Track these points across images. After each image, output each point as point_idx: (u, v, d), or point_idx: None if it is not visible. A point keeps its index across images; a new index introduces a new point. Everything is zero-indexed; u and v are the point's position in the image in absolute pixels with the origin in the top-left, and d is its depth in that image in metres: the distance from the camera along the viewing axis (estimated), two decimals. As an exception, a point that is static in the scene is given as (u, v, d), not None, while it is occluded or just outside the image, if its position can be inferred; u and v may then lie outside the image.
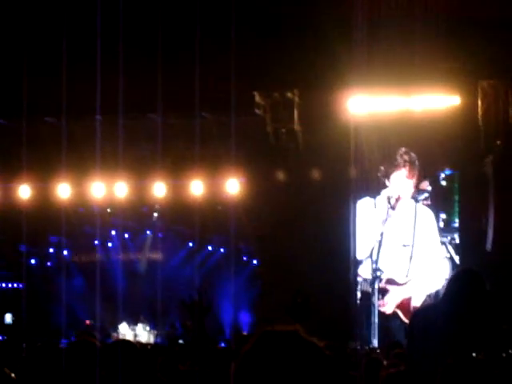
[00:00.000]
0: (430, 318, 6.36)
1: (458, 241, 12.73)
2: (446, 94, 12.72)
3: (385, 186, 11.42)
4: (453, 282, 6.26)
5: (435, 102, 12.81)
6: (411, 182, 9.60)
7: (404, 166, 9.55)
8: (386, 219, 9.39)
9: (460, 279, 6.25)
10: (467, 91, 12.72)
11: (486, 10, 11.71)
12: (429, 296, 11.82)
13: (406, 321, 11.95)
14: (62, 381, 3.82)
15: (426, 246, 9.62)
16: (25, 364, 3.98)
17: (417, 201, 11.49)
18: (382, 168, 10.06)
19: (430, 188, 12.74)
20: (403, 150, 10.10)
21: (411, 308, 11.79)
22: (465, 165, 12.95)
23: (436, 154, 13.02)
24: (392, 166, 9.50)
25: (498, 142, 12.78)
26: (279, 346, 2.06)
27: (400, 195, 9.49)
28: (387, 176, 9.58)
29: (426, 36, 11.81)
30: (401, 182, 9.57)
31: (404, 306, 10.97)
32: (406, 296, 9.65)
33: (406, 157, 9.60)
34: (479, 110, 12.79)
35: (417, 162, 9.48)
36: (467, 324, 5.95)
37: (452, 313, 6.07)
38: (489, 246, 12.45)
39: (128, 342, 4.95)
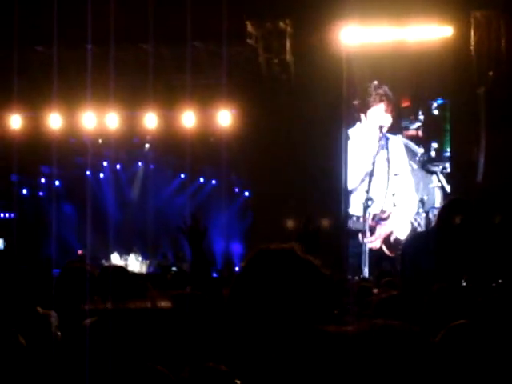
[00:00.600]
0: (421, 245, 6.45)
1: (449, 170, 12.83)
2: (438, 25, 12.64)
3: (359, 120, 11.48)
4: (444, 211, 6.34)
5: (428, 32, 12.74)
6: (388, 116, 9.60)
7: (381, 101, 9.52)
8: (378, 151, 9.41)
9: (451, 208, 6.33)
10: (460, 22, 12.63)
11: None
12: (413, 228, 11.97)
13: (390, 254, 12.11)
14: (53, 306, 3.86)
15: (410, 176, 9.68)
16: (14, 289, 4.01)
17: (408, 130, 11.51)
18: (356, 103, 10.02)
19: (422, 117, 12.78)
20: (375, 83, 10.06)
21: (392, 241, 11.92)
22: (457, 95, 12.94)
23: (429, 84, 13.01)
24: (367, 101, 9.45)
25: (490, 73, 12.73)
26: (275, 263, 2.04)
27: (383, 127, 9.49)
28: (363, 111, 9.55)
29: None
30: (380, 115, 9.56)
31: (387, 240, 11.09)
32: (388, 231, 9.74)
33: (380, 91, 9.56)
34: (472, 40, 12.72)
35: (391, 94, 9.45)
36: (457, 251, 6.03)
37: (442, 240, 6.16)
38: (480, 176, 12.51)
39: (119, 267, 5.00)
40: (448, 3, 12.41)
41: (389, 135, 11.73)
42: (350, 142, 11.25)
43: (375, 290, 6.80)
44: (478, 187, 12.33)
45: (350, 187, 12.15)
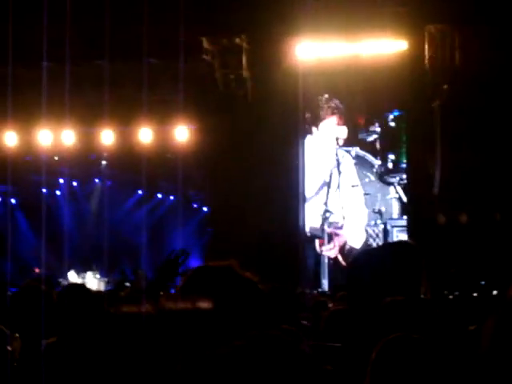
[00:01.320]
0: (372, 260, 6.47)
1: (406, 181, 12.95)
2: (393, 39, 12.76)
3: (310, 133, 11.54)
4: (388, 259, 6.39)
5: (382, 46, 12.85)
6: (341, 128, 9.66)
7: (333, 114, 9.58)
8: (337, 164, 9.46)
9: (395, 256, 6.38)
10: (414, 35, 12.77)
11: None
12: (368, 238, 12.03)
13: (344, 263, 12.14)
14: (10, 327, 3.81)
15: (364, 188, 9.77)
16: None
17: (366, 142, 11.58)
18: (308, 116, 10.08)
19: (378, 129, 12.89)
20: (326, 96, 10.14)
21: (346, 251, 11.97)
22: (412, 108, 13.07)
23: (384, 98, 13.14)
24: (319, 114, 9.53)
25: (445, 87, 12.88)
26: (213, 279, 2.07)
27: (336, 140, 9.54)
28: (314, 124, 9.62)
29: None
30: (331, 129, 9.61)
31: (342, 249, 11.15)
32: (343, 240, 9.80)
33: (331, 104, 9.63)
34: (426, 54, 12.86)
35: (342, 107, 9.54)
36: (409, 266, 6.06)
37: (395, 254, 6.19)
38: (436, 188, 12.63)
39: (80, 285, 4.96)
40: (402, 17, 12.55)
41: (341, 149, 11.80)
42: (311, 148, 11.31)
43: (331, 305, 6.82)
44: (434, 199, 12.46)
45: (307, 196, 12.18)
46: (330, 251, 9.70)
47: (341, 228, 9.74)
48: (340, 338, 4.15)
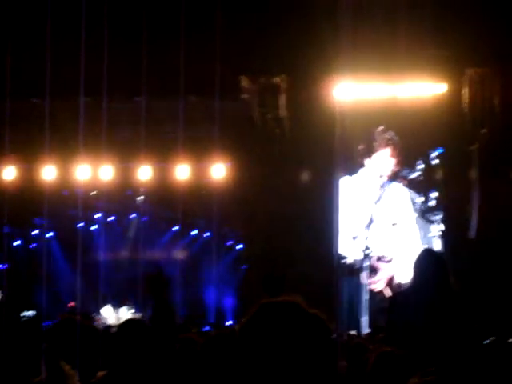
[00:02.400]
0: (404, 305, 6.46)
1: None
2: (432, 82, 12.71)
3: (362, 166, 11.41)
4: (418, 266, 6.41)
5: (421, 89, 12.81)
6: (394, 161, 9.58)
7: (387, 146, 9.52)
8: (379, 198, 9.37)
9: (422, 262, 6.40)
10: (454, 79, 12.72)
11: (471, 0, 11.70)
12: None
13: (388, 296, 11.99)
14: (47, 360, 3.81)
15: (410, 225, 9.66)
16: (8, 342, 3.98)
17: (407, 179, 11.50)
18: (360, 147, 10.04)
19: (421, 166, 12.78)
20: (381, 128, 10.08)
21: (394, 285, 11.83)
22: (450, 151, 12.98)
23: (423, 140, 13.05)
24: (373, 145, 9.48)
25: (484, 131, 12.80)
26: (279, 316, 1.97)
27: (387, 174, 9.48)
28: (368, 155, 9.55)
29: (412, 23, 11.80)
30: (385, 160, 9.54)
31: (390, 283, 11.02)
32: (393, 273, 9.68)
33: (386, 135, 9.57)
34: (465, 97, 12.80)
35: (397, 139, 9.48)
36: (433, 318, 6.04)
37: (420, 302, 6.18)
38: (472, 233, 12.50)
39: (137, 321, 4.95)
40: (441, 60, 12.51)
41: (389, 183, 11.62)
42: (350, 189, 11.17)
43: (371, 346, 6.73)
44: (470, 244, 12.33)
45: (352, 234, 11.99)
46: (376, 284, 9.60)
47: (388, 262, 9.66)
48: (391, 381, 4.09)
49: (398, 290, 8.45)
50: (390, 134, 9.65)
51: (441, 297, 6.29)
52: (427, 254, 6.75)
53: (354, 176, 9.87)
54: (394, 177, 11.94)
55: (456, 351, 5.92)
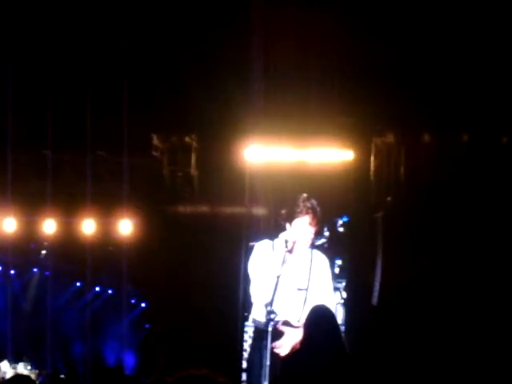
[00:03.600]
0: (296, 367, 6.50)
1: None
2: (340, 148, 12.93)
3: (283, 230, 11.48)
4: (307, 323, 6.47)
5: (329, 155, 13.01)
6: (312, 229, 9.63)
7: (307, 213, 9.53)
8: (284, 262, 9.37)
9: (312, 319, 6.48)
10: (361, 147, 12.96)
11: (381, 68, 11.99)
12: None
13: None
14: None
15: (320, 291, 9.66)
16: None
17: (314, 246, 11.56)
18: (283, 212, 10.10)
19: (327, 233, 12.90)
20: (304, 195, 10.12)
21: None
22: (356, 218, 13.18)
23: (331, 204, 13.21)
24: (294, 211, 9.52)
25: (389, 198, 13.05)
26: None
27: (298, 240, 9.53)
28: (288, 220, 9.59)
29: (322, 89, 12.02)
30: (303, 228, 9.57)
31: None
32: (300, 338, 9.65)
33: (308, 203, 9.60)
34: (372, 165, 13.05)
35: (318, 209, 9.56)
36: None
37: (311, 359, 6.23)
38: (375, 300, 12.66)
39: (25, 376, 4.88)
40: (349, 128, 12.76)
41: (296, 247, 11.65)
42: (265, 253, 11.13)
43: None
44: (373, 310, 12.47)
45: (262, 299, 11.91)
46: (280, 348, 9.54)
47: (294, 327, 9.62)
48: None
49: (288, 353, 8.50)
50: (311, 203, 9.73)
51: (332, 354, 6.33)
52: (317, 311, 6.81)
53: (275, 240, 9.90)
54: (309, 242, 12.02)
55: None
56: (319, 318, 6.38)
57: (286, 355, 7.77)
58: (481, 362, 12.04)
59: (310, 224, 9.45)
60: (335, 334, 6.28)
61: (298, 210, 9.40)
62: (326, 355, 6.12)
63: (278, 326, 9.24)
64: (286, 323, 9.38)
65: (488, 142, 12.67)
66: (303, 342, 6.57)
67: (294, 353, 7.45)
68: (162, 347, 13.85)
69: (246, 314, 10.96)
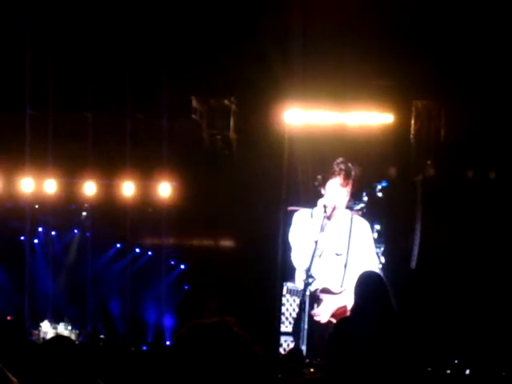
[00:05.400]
0: (346, 332, 6.52)
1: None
2: (379, 112, 12.84)
3: (322, 196, 11.48)
4: (358, 290, 6.49)
5: (369, 118, 12.93)
6: (345, 191, 9.57)
7: (339, 174, 9.53)
8: (322, 228, 9.37)
9: (363, 285, 6.49)
10: (401, 110, 12.87)
11: (420, 32, 11.85)
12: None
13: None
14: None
15: (360, 256, 9.64)
16: None
17: (352, 210, 11.56)
18: (319, 177, 10.11)
19: (366, 198, 12.85)
20: (340, 159, 10.14)
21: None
22: (396, 181, 13.11)
23: (371, 168, 13.16)
24: (328, 174, 9.53)
25: (429, 162, 12.97)
26: (207, 337, 2.00)
27: (336, 204, 9.51)
28: (323, 185, 9.58)
29: (361, 53, 11.91)
30: (335, 189, 9.55)
31: (340, 315, 11.02)
32: (341, 305, 9.67)
33: (342, 165, 9.58)
34: (412, 129, 12.96)
35: (353, 172, 9.51)
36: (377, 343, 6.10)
37: (362, 327, 6.24)
38: (413, 263, 12.64)
39: (65, 337, 4.96)
40: (389, 91, 12.66)
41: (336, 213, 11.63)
42: (304, 220, 11.13)
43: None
44: (411, 274, 12.47)
45: (302, 265, 11.92)
46: (319, 316, 9.56)
47: (333, 294, 9.62)
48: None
49: (340, 318, 8.49)
50: (345, 165, 9.68)
51: (383, 320, 6.35)
52: (366, 276, 6.82)
53: (314, 208, 9.89)
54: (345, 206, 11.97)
55: (401, 378, 6.00)
56: (369, 284, 6.39)
57: (338, 321, 7.78)
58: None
59: (342, 185, 9.43)
60: (386, 300, 6.29)
61: (331, 172, 9.40)
62: (377, 321, 6.14)
63: (317, 293, 9.25)
64: (325, 290, 9.39)
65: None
66: (354, 307, 6.59)
67: (345, 319, 7.45)
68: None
69: (283, 282, 11.03)
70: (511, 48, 11.78)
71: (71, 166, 14.23)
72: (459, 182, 12.85)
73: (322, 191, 9.59)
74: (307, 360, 9.38)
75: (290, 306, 11.04)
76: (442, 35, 11.99)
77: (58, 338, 4.87)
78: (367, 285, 6.52)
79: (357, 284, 6.76)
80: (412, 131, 12.95)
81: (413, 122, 12.94)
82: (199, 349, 1.98)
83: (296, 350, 8.91)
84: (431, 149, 13.03)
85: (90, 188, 14.63)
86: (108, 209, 14.84)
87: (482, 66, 12.15)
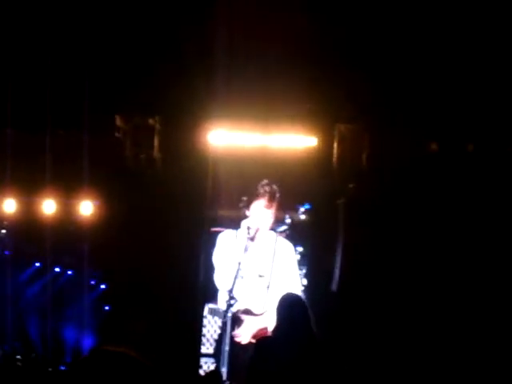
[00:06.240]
0: (266, 354, 6.52)
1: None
2: (303, 135, 12.94)
3: (245, 217, 11.48)
4: (279, 312, 6.53)
5: (293, 141, 13.02)
6: (270, 212, 9.61)
7: (263, 196, 9.57)
8: (246, 249, 9.39)
9: (285, 307, 6.54)
10: (324, 133, 12.98)
11: (345, 56, 12.00)
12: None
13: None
14: None
15: (283, 278, 9.66)
16: None
17: (275, 232, 11.60)
18: (244, 198, 10.13)
19: (289, 221, 12.89)
20: (265, 181, 10.20)
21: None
22: (318, 205, 13.20)
23: (293, 191, 13.22)
24: (253, 196, 9.56)
25: (351, 185, 13.09)
26: (108, 364, 2.06)
27: (259, 226, 9.54)
28: (248, 206, 9.61)
29: (285, 75, 12.00)
30: (259, 211, 9.59)
31: (261, 336, 11.03)
32: (262, 326, 9.67)
33: (266, 187, 9.63)
34: (335, 152, 13.08)
35: (277, 194, 9.56)
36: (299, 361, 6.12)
37: (283, 346, 6.26)
38: (334, 286, 12.72)
39: None
40: (313, 114, 12.76)
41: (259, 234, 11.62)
42: (228, 241, 11.10)
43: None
44: (332, 296, 12.54)
45: (218, 287, 11.88)
46: (240, 337, 9.55)
47: (255, 315, 9.62)
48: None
49: (260, 338, 8.49)
50: (270, 186, 9.71)
51: (303, 343, 6.38)
52: (288, 299, 6.87)
53: (238, 229, 9.88)
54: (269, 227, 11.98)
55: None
56: (291, 307, 6.44)
57: (258, 342, 7.77)
58: (439, 341, 12.18)
59: (267, 206, 9.46)
60: (306, 322, 6.34)
61: (255, 194, 9.44)
62: (297, 343, 6.17)
63: (238, 314, 9.23)
64: (247, 311, 9.38)
65: (454, 145, 12.79)
66: (275, 329, 6.62)
67: (265, 340, 7.46)
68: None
69: (205, 302, 11.00)
70: (435, 74, 12.00)
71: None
72: (381, 205, 12.99)
73: (247, 213, 9.61)
74: (227, 382, 9.35)
75: (211, 328, 10.97)
76: (367, 60, 12.15)
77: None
78: (289, 307, 6.59)
79: (278, 306, 6.79)
80: (335, 154, 13.07)
81: (336, 145, 13.06)
82: (99, 373, 2.03)
83: (214, 372, 8.87)
84: (354, 172, 13.16)
85: (9, 205, 14.36)
86: (28, 227, 14.58)
87: (407, 92, 12.35)
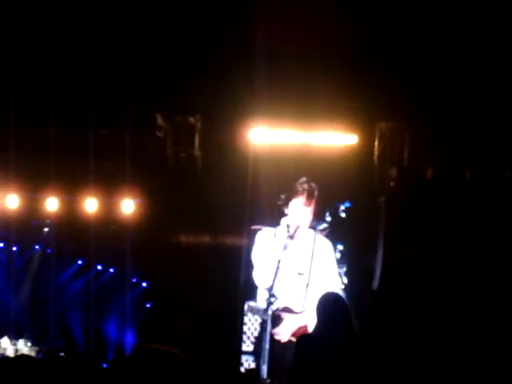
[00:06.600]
0: (310, 349, 6.53)
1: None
2: (344, 133, 12.92)
3: (285, 215, 11.49)
4: (320, 311, 6.53)
5: (333, 139, 13.00)
6: (308, 210, 9.59)
7: (302, 194, 9.55)
8: (285, 247, 9.38)
9: (325, 306, 6.53)
10: (365, 131, 12.95)
11: (385, 55, 11.96)
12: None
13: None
14: None
15: (322, 276, 9.65)
16: None
17: (315, 230, 11.59)
18: (282, 196, 10.13)
19: (329, 219, 12.86)
20: (303, 179, 10.18)
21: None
22: (359, 203, 13.17)
23: (334, 189, 13.20)
24: (291, 193, 9.55)
25: (392, 183, 13.05)
26: (152, 362, 2.02)
27: (298, 224, 9.52)
28: (286, 204, 9.60)
29: (327, 73, 11.97)
30: (298, 209, 9.57)
31: (300, 334, 11.04)
32: (302, 324, 9.67)
33: (305, 185, 9.60)
34: (375, 150, 13.05)
35: (316, 192, 9.54)
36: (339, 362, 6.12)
37: (325, 344, 6.25)
38: (375, 284, 12.68)
39: (28, 356, 4.93)
40: (354, 113, 12.73)
41: (298, 232, 11.62)
42: (267, 239, 11.13)
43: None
44: (373, 295, 12.50)
45: (258, 285, 11.91)
46: (280, 335, 9.55)
47: (294, 313, 9.62)
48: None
49: (301, 335, 8.50)
50: (308, 184, 9.69)
51: (345, 341, 6.38)
52: (328, 297, 6.86)
53: (277, 227, 9.89)
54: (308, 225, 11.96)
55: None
56: (331, 305, 6.44)
57: (299, 340, 7.78)
58: (480, 344, 12.10)
59: (305, 204, 9.44)
60: (347, 321, 6.33)
61: (294, 191, 9.43)
62: (339, 342, 6.17)
63: (278, 312, 9.24)
64: (286, 309, 9.38)
65: (492, 128, 12.66)
66: (316, 328, 6.62)
67: (307, 339, 7.46)
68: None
69: (245, 300, 11.01)
70: (474, 72, 11.92)
71: (34, 181, 14.12)
72: (421, 203, 12.93)
73: (286, 210, 9.61)
74: (268, 380, 9.36)
75: (251, 325, 11.01)
76: (407, 58, 12.10)
77: (22, 357, 4.81)
78: (329, 306, 6.57)
79: (318, 305, 6.79)
80: (376, 152, 13.04)
81: (376, 143, 13.03)
82: (143, 372, 2.02)
83: (252, 370, 8.89)
84: (394, 170, 13.11)
85: (52, 204, 14.52)
86: (70, 225, 14.74)
87: (447, 90, 12.28)
